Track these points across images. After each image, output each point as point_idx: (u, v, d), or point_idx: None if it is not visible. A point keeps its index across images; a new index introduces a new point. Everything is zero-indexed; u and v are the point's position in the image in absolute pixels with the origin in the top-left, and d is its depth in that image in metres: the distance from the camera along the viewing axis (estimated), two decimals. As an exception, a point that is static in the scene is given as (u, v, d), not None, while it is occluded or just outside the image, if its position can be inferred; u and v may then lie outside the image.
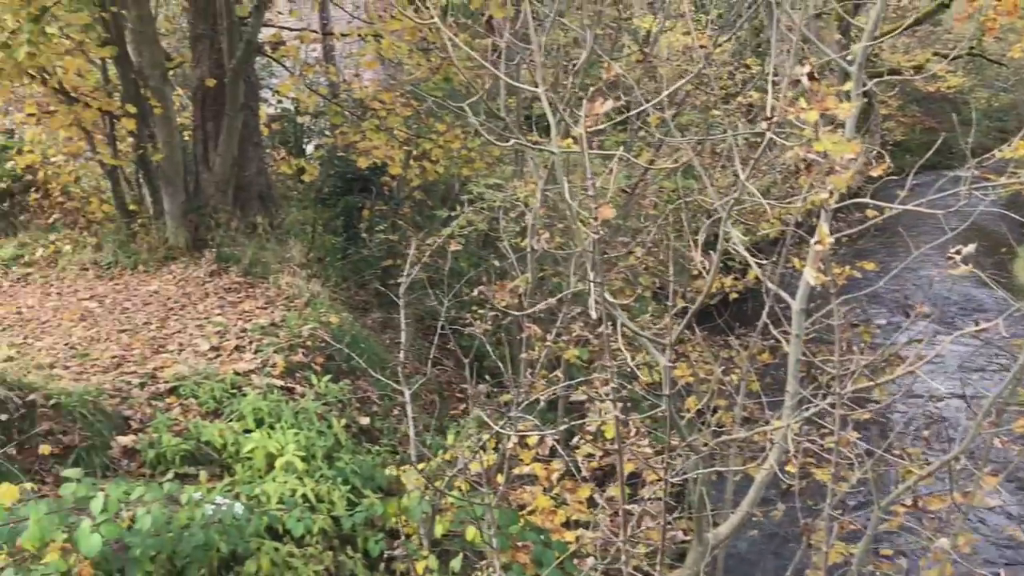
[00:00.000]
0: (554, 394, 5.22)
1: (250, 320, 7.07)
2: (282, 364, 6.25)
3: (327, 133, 12.87)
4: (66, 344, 6.47)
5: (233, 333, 6.75)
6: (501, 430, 4.41)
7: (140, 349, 6.32)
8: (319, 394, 5.96)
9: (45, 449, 4.43)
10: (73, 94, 8.88)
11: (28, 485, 3.80)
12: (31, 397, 4.93)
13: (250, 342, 6.58)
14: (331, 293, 8.59)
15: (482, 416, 5.28)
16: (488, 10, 7.41)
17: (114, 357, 6.13)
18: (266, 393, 5.68)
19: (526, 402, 4.67)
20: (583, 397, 5.01)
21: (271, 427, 5.32)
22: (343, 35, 9.44)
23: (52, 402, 4.94)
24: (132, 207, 9.80)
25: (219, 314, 7.25)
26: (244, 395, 5.62)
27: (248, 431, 5.25)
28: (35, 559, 3.44)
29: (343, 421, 5.73)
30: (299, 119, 12.77)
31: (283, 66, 11.03)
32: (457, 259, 7.69)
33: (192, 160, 9.84)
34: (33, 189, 10.64)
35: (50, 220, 10.24)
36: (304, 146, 13.07)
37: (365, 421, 6.11)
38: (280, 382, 6.01)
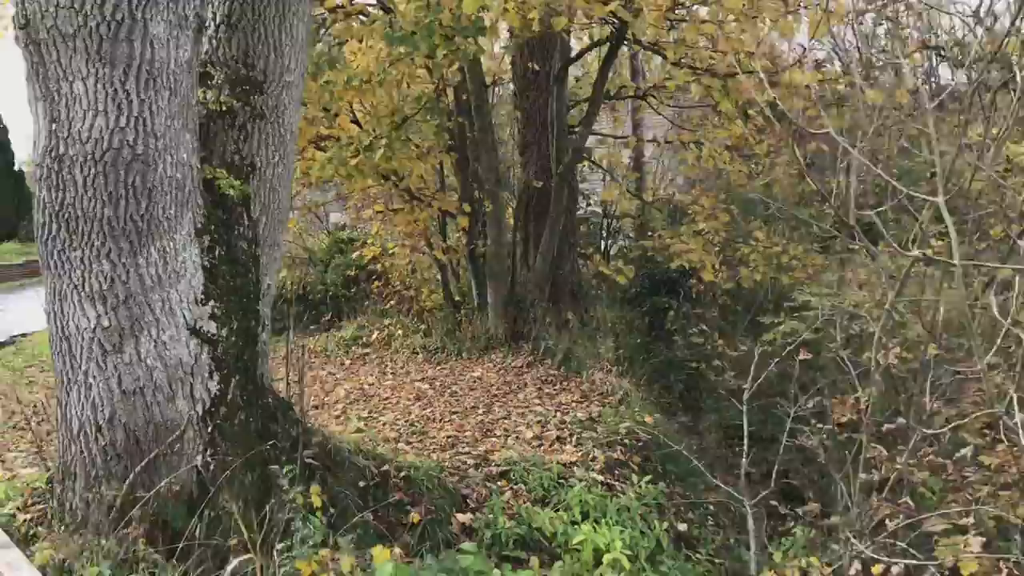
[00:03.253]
0: (899, 522, 4.82)
1: (568, 412, 7.28)
2: (602, 459, 6.33)
3: (630, 236, 13.24)
4: (406, 421, 7.02)
5: (553, 424, 6.98)
6: (835, 553, 4.13)
7: (471, 431, 6.71)
8: (638, 494, 5.95)
9: (415, 517, 4.79)
10: (416, 194, 9.89)
11: (397, 550, 4.09)
12: (384, 468, 5.37)
13: (570, 434, 6.75)
14: (639, 393, 8.63)
15: (819, 537, 5.00)
16: (822, 121, 7.30)
17: (449, 437, 6.55)
18: (589, 486, 5.77)
19: (870, 526, 4.35)
20: (935, 528, 4.58)
21: (595, 521, 5.37)
22: (667, 141, 9.73)
23: (402, 474, 5.34)
24: (458, 298, 10.60)
25: (538, 404, 7.54)
26: (570, 486, 5.75)
27: (575, 522, 5.33)
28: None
29: (664, 524, 5.65)
30: (606, 221, 13.25)
31: (604, 170, 11.53)
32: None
33: (513, 257, 10.48)
34: (374, 278, 11.88)
35: (386, 306, 11.34)
36: (609, 247, 13.50)
37: (683, 527, 5.99)
38: (600, 477, 6.08)
